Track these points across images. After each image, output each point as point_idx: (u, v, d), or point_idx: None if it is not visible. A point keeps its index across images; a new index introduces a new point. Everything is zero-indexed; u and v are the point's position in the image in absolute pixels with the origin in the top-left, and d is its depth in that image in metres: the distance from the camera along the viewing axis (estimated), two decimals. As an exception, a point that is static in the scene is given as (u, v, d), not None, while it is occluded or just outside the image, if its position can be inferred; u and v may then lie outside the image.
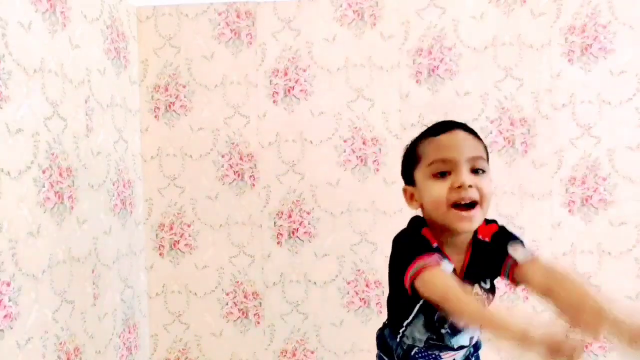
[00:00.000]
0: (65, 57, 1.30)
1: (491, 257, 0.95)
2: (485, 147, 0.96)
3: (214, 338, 1.78)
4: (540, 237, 1.67)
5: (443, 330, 0.96)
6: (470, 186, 0.88)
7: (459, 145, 0.91)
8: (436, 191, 0.90)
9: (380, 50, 1.70)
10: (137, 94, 1.76)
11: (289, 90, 1.73)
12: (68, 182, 1.30)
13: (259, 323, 1.77)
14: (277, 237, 1.75)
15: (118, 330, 1.57)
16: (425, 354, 1.00)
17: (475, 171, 0.91)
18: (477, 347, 1.08)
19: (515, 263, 0.94)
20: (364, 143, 1.71)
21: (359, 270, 1.72)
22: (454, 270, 0.94)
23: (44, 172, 1.19)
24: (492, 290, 0.99)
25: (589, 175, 1.66)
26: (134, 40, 1.75)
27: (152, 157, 1.78)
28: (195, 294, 1.78)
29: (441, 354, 0.99)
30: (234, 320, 1.77)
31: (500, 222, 1.01)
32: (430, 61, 1.68)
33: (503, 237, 0.97)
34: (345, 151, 1.72)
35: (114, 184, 1.56)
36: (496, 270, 0.96)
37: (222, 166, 1.76)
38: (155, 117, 1.77)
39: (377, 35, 1.70)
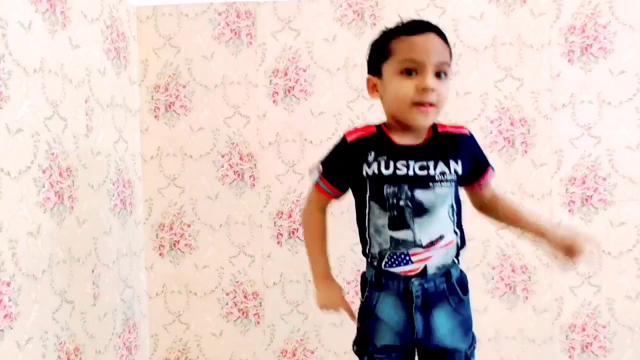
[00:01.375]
0: (65, 57, 1.30)
1: (462, 151, 1.04)
2: (451, 52, 1.03)
3: (214, 338, 1.78)
4: (540, 237, 1.67)
5: (402, 202, 0.98)
6: (432, 90, 0.96)
7: (430, 48, 0.97)
8: (403, 89, 0.98)
9: (380, 50, 1.70)
10: (137, 94, 1.76)
11: (289, 90, 1.73)
12: (68, 182, 1.30)
13: (259, 323, 1.77)
14: (277, 237, 1.75)
15: (118, 330, 1.57)
16: (394, 257, 1.01)
17: (438, 75, 0.98)
18: (462, 283, 1.06)
19: (487, 171, 1.09)
20: (364, 143, 1.71)
21: (359, 271, 1.71)
22: (409, 148, 1.01)
23: (44, 172, 1.19)
24: (447, 175, 1.01)
25: (589, 175, 1.66)
26: (134, 40, 1.75)
27: (152, 157, 1.78)
28: (195, 294, 1.78)
29: (409, 252, 0.99)
30: (234, 320, 1.77)
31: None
32: (430, 61, 1.68)
33: (479, 152, 1.09)
34: (345, 151, 1.72)
35: (114, 184, 1.56)
36: (469, 168, 1.05)
37: (222, 166, 1.76)
38: (155, 117, 1.77)
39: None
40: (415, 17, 1.66)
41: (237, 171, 1.76)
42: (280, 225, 1.75)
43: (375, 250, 1.03)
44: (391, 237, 1.00)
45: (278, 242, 1.75)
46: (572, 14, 1.66)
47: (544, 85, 1.66)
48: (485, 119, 1.68)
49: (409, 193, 0.98)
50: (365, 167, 1.00)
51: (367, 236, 1.04)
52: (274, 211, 1.75)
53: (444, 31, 1.02)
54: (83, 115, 1.39)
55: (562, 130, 1.66)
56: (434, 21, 1.05)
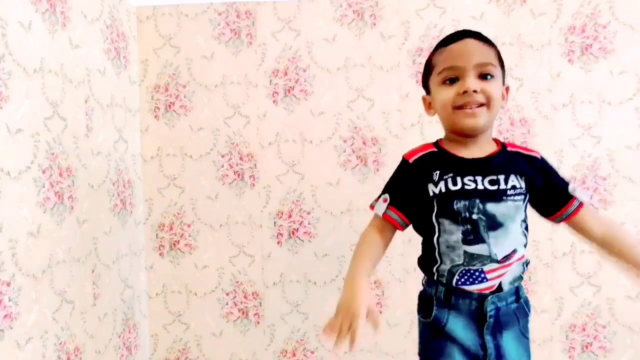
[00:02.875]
0: (65, 57, 1.30)
1: (533, 171, 1.01)
2: (499, 54, 1.00)
3: (214, 338, 1.78)
4: (540, 237, 1.67)
5: (474, 216, 0.95)
6: (475, 91, 0.94)
7: (466, 53, 0.97)
8: (444, 96, 0.98)
9: (380, 50, 1.70)
10: (137, 94, 1.76)
11: (289, 90, 1.73)
12: (68, 182, 1.30)
13: (259, 323, 1.77)
14: (277, 237, 1.75)
15: (118, 330, 1.57)
16: (469, 274, 0.96)
17: (484, 77, 0.96)
18: (528, 303, 1.02)
19: (579, 206, 1.03)
20: (364, 143, 1.71)
21: (359, 270, 1.72)
22: (475, 162, 0.98)
23: (44, 172, 1.19)
24: (518, 189, 0.99)
25: (589, 175, 1.66)
26: (134, 40, 1.75)
27: (152, 157, 1.78)
28: (195, 294, 1.78)
29: (484, 268, 0.95)
30: (234, 320, 1.77)
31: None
32: (430, 61, 1.68)
33: (554, 171, 1.05)
34: (345, 151, 1.72)
35: (114, 184, 1.56)
36: (543, 195, 1.03)
37: (222, 166, 1.76)
38: (155, 117, 1.77)
39: (377, 35, 1.70)
40: (415, 17, 1.68)
41: (237, 171, 1.76)
42: (280, 225, 1.75)
43: (446, 267, 0.97)
44: (465, 252, 0.95)
45: (278, 242, 1.75)
46: (572, 14, 1.66)
47: (544, 85, 1.67)
48: (485, 119, 1.68)
49: (481, 206, 0.95)
50: (431, 187, 0.97)
51: (436, 255, 0.98)
52: (274, 211, 1.75)
53: (484, 35, 1.01)
54: (83, 115, 1.39)
55: (562, 130, 1.66)
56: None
